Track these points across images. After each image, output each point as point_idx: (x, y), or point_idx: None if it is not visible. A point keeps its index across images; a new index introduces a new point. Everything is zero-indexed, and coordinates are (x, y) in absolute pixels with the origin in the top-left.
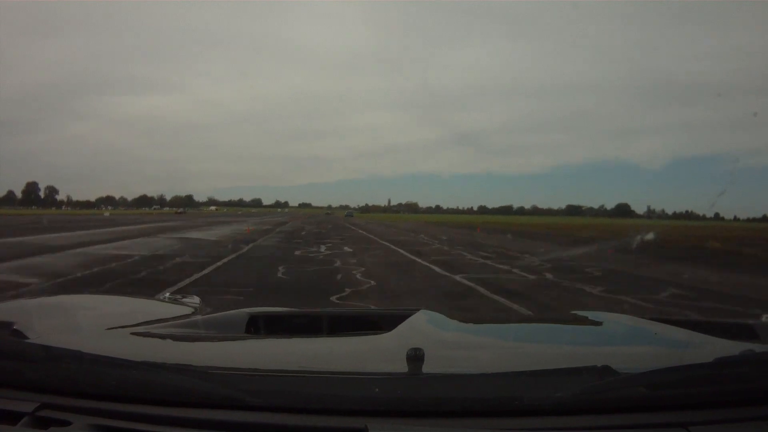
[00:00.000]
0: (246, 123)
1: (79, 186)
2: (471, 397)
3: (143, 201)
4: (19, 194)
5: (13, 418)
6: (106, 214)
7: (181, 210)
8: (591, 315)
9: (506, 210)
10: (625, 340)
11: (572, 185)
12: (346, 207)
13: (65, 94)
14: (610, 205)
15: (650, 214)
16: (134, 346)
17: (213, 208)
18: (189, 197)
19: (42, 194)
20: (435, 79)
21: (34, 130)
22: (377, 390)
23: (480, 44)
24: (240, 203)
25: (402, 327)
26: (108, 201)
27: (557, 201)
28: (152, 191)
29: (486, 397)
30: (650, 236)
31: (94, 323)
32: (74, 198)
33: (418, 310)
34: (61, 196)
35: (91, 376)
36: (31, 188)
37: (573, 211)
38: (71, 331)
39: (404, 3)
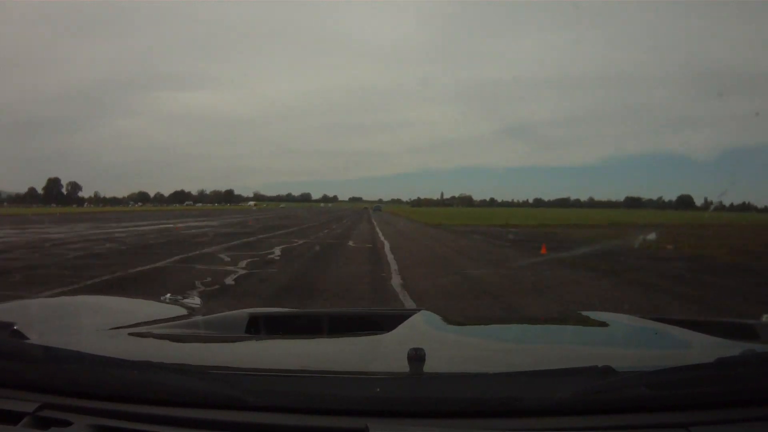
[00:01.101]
0: (297, 118)
1: (115, 183)
2: (472, 397)
3: (179, 196)
4: (40, 191)
5: (13, 418)
6: None
7: None
8: (592, 315)
9: (563, 203)
10: (627, 340)
11: (629, 177)
12: (398, 201)
13: (110, 91)
14: (668, 196)
15: (708, 206)
16: (134, 347)
17: (252, 203)
18: (229, 192)
19: (64, 191)
20: (488, 71)
21: (79, 128)
22: (378, 390)
23: (533, 36)
24: (288, 198)
25: (402, 327)
26: (141, 197)
27: (615, 193)
28: (194, 187)
29: (487, 397)
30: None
31: (95, 324)
32: (102, 194)
33: (418, 310)
34: (89, 193)
35: (91, 377)
36: (53, 185)
37: (632, 203)
38: (72, 331)
39: None
